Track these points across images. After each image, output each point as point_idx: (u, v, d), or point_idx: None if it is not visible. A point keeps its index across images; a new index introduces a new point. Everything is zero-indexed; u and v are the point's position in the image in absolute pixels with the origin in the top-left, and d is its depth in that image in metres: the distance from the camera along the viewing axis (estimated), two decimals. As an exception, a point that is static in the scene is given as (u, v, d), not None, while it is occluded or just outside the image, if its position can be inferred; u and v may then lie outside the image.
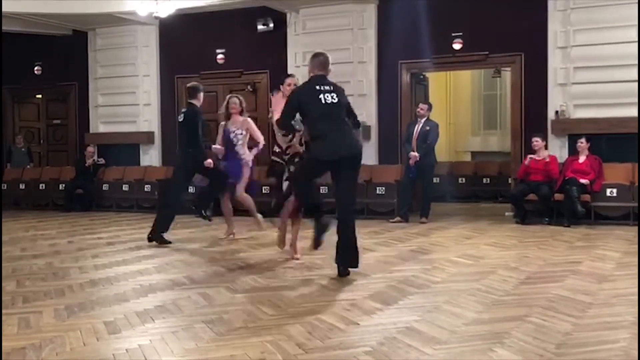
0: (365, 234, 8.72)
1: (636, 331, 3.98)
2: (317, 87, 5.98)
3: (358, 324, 4.28)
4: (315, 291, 5.36)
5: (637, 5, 10.03)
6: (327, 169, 6.01)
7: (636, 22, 10.13)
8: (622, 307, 4.64)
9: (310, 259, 6.87)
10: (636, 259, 6.69)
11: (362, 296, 5.11)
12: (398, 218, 10.44)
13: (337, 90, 6.06)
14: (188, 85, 8.70)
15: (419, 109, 10.72)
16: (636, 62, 10.16)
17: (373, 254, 7.28)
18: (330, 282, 5.70)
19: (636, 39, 10.13)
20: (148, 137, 13.77)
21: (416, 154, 10.36)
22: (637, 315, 4.37)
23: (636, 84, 10.18)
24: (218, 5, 12.63)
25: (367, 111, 11.65)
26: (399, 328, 4.14)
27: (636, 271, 6.00)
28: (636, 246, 7.63)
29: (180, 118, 8.43)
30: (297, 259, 6.83)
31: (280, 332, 4.08)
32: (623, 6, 10.21)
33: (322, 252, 6.78)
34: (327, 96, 5.96)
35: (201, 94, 8.49)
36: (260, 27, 12.65)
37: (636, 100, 10.20)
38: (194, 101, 8.43)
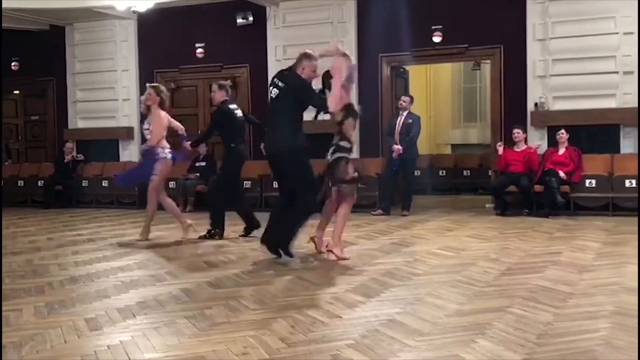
0: (347, 227, 8.68)
1: (617, 320, 4.02)
2: (273, 80, 6.41)
3: (341, 317, 4.28)
4: (297, 285, 5.36)
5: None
6: (271, 166, 6.52)
7: (614, 15, 10.23)
8: (602, 296, 4.68)
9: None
10: (616, 249, 6.77)
11: (344, 289, 5.11)
12: (380, 210, 10.46)
13: (284, 80, 6.27)
14: (225, 84, 8.39)
15: (401, 102, 10.74)
16: (615, 53, 10.26)
17: (355, 247, 7.29)
18: (313, 276, 5.70)
19: (614, 31, 10.24)
20: (127, 132, 13.67)
21: (399, 146, 10.38)
22: (616, 305, 4.42)
23: (614, 75, 10.29)
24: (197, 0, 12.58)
25: (347, 104, 11.64)
26: (382, 320, 4.15)
27: (616, 261, 6.07)
28: (616, 236, 7.72)
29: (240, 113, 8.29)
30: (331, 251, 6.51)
31: (262, 326, 4.06)
32: (601, -2, 10.31)
33: (304, 247, 6.79)
34: (272, 90, 6.31)
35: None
36: (239, 20, 12.60)
37: (615, 92, 10.31)
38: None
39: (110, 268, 6.28)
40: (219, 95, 8.22)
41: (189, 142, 8.37)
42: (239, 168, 8.37)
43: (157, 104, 7.91)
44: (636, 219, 9.14)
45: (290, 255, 6.39)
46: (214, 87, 8.32)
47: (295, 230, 6.40)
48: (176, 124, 8.23)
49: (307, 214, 6.39)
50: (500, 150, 10.31)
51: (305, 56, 6.37)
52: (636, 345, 3.53)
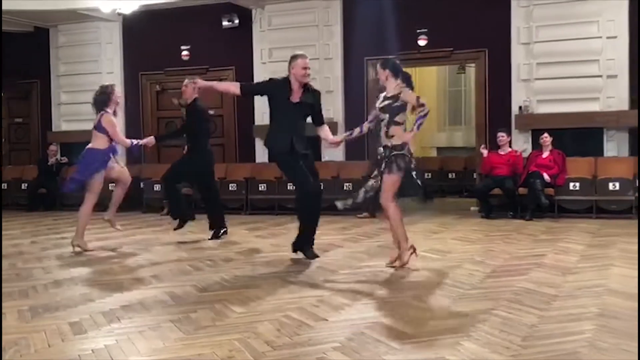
0: (333, 230, 8.74)
1: (601, 322, 4.05)
2: None
3: (327, 320, 4.28)
4: (283, 288, 5.35)
5: (598, 1, 10.24)
6: None
7: (597, 19, 10.32)
8: (587, 298, 4.71)
9: (278, 255, 6.86)
10: (599, 251, 6.82)
11: (330, 292, 5.11)
12: (366, 213, 10.47)
13: None
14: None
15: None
16: (598, 57, 10.34)
17: (341, 249, 7.29)
18: (298, 279, 5.69)
19: (597, 35, 10.33)
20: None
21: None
22: (600, 307, 4.45)
23: (598, 78, 10.37)
24: (182, 2, 12.53)
25: (333, 107, 11.69)
26: (367, 323, 4.15)
27: (600, 263, 6.11)
28: (600, 239, 7.77)
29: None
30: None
31: (248, 330, 4.06)
32: (584, 2, 10.40)
33: (290, 249, 6.78)
34: None
35: None
36: (225, 23, 12.58)
37: (598, 95, 10.40)
38: None
39: (95, 271, 6.24)
40: (192, 92, 8.06)
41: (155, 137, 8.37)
42: (213, 168, 8.38)
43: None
44: (620, 221, 9.25)
45: (309, 256, 6.48)
46: (186, 82, 8.10)
47: (304, 230, 6.51)
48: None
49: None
50: (485, 152, 10.37)
51: (292, 57, 6.46)
52: (620, 347, 3.55)
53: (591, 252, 6.79)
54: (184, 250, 7.55)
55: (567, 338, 3.75)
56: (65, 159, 13.50)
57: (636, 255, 6.44)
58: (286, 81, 6.43)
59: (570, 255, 6.61)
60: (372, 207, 7.29)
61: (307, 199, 6.42)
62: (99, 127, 7.57)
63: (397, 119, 5.90)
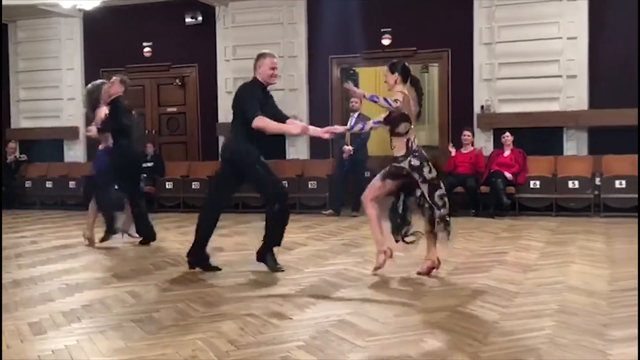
0: (298, 229, 8.72)
1: (561, 318, 4.11)
2: None
3: (291, 319, 4.27)
4: (247, 287, 5.33)
5: (558, 2, 10.41)
6: None
7: (558, 20, 10.49)
8: (547, 295, 4.78)
9: (242, 254, 6.83)
10: (559, 249, 6.93)
11: (294, 291, 5.10)
12: (331, 210, 10.49)
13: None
14: (126, 80, 7.98)
15: (353, 103, 10.76)
16: (558, 58, 10.50)
17: (305, 248, 7.29)
18: (263, 278, 5.67)
19: (558, 36, 10.50)
20: (72, 132, 13.38)
21: (350, 147, 10.44)
22: (560, 304, 4.52)
23: (558, 79, 10.54)
24: (145, -2, 12.42)
25: (298, 106, 11.67)
26: (332, 321, 4.15)
27: (559, 260, 6.21)
28: (559, 236, 7.90)
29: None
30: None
31: (211, 329, 4.03)
32: (545, 4, 10.57)
33: (254, 248, 6.74)
34: None
35: None
36: (188, 20, 12.49)
37: (558, 95, 10.57)
38: None
39: (55, 271, 6.14)
40: (118, 88, 7.69)
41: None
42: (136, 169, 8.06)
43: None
44: (579, 219, 9.41)
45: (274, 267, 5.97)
46: (114, 79, 7.79)
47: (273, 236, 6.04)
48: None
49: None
50: (453, 151, 10.44)
51: (259, 55, 5.96)
52: (579, 343, 3.61)
53: (551, 250, 6.89)
54: (145, 249, 7.47)
55: (528, 334, 3.80)
56: (24, 157, 13.27)
57: (594, 253, 6.59)
58: (257, 83, 5.88)
59: (531, 253, 6.71)
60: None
61: (283, 202, 5.93)
62: None
63: (400, 129, 5.55)
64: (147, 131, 11.79)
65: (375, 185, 5.73)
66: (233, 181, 6.04)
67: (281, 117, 5.98)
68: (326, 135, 5.91)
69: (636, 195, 9.60)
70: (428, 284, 5.27)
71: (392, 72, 5.65)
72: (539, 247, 7.06)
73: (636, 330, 3.80)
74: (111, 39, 13.09)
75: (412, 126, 5.62)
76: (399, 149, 5.58)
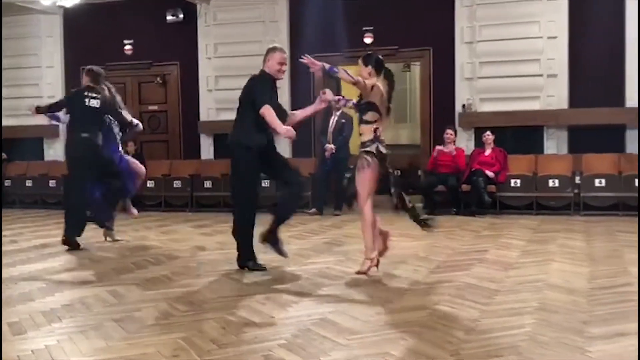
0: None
1: (541, 316, 4.15)
2: None
3: (273, 317, 4.27)
4: (228, 286, 5.32)
5: (539, 2, 10.48)
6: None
7: (538, 19, 10.56)
8: (527, 293, 4.81)
9: (223, 253, 6.82)
10: (540, 247, 6.98)
11: (276, 289, 5.10)
12: (314, 210, 10.48)
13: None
14: (95, 68, 7.86)
15: (334, 102, 10.75)
16: (539, 57, 10.58)
17: (288, 246, 7.21)
18: (245, 277, 5.66)
19: (539, 35, 10.57)
20: (52, 130, 13.25)
21: (332, 146, 10.44)
22: (541, 302, 4.56)
23: (538, 78, 10.62)
24: (125, -5, 12.34)
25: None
26: (314, 320, 4.16)
27: (540, 258, 6.25)
28: (540, 234, 7.96)
29: (95, 103, 7.48)
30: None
31: (193, 328, 4.02)
32: (526, 3, 10.64)
33: (236, 247, 6.73)
34: None
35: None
36: (169, 17, 12.42)
37: (539, 94, 10.65)
38: (99, 87, 7.64)
39: (35, 270, 6.09)
40: (83, 80, 7.78)
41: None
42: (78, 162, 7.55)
43: None
44: (559, 217, 9.50)
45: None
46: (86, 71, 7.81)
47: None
48: None
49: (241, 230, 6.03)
50: (436, 152, 10.46)
51: (270, 49, 6.05)
52: (559, 340, 3.65)
53: (532, 248, 6.94)
54: (126, 248, 7.43)
55: (508, 332, 3.83)
56: (4, 155, 13.13)
57: (574, 251, 6.64)
58: (267, 76, 5.95)
59: (512, 251, 6.75)
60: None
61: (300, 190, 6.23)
62: None
63: (367, 117, 5.63)
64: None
65: (359, 182, 5.69)
66: (258, 167, 5.96)
67: (282, 113, 6.10)
68: (323, 105, 6.15)
69: (615, 194, 9.73)
70: (409, 282, 5.29)
71: (366, 65, 5.70)
72: (519, 245, 7.11)
73: (616, 327, 3.86)
74: (92, 37, 12.99)
75: (382, 118, 5.69)
76: (366, 135, 5.64)
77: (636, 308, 4.27)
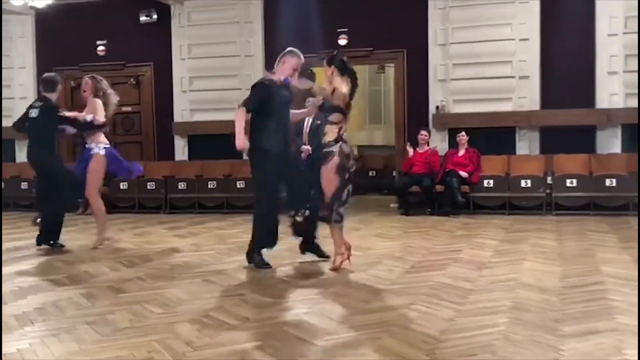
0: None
1: (514, 315, 4.19)
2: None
3: (248, 319, 4.26)
4: (203, 288, 5.29)
5: (511, 4, 10.59)
6: None
7: (510, 21, 10.66)
8: (501, 292, 4.86)
9: (197, 255, 6.79)
10: (512, 246, 7.05)
11: (252, 291, 5.09)
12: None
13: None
14: (45, 76, 7.82)
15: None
16: (511, 59, 10.68)
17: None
18: (220, 278, 5.64)
19: (510, 37, 10.67)
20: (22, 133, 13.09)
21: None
22: (513, 300, 4.60)
23: (511, 79, 10.72)
24: (98, -5, 12.23)
25: (254, 105, 11.61)
26: (289, 321, 4.16)
27: (512, 258, 6.31)
28: (512, 234, 8.03)
29: (34, 114, 7.37)
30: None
31: (167, 330, 3.99)
32: (498, 5, 10.74)
33: (210, 249, 6.72)
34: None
35: (59, 87, 7.81)
36: (143, 18, 12.33)
37: (511, 95, 10.75)
38: (50, 95, 7.58)
39: (7, 273, 6.00)
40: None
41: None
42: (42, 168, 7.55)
43: (90, 95, 7.73)
44: (531, 217, 9.59)
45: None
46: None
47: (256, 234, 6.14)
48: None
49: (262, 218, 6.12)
50: (411, 152, 10.52)
51: (288, 51, 6.28)
52: (532, 339, 3.69)
53: (505, 247, 7.01)
54: (100, 250, 7.36)
55: (483, 331, 3.86)
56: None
57: (546, 250, 6.72)
58: (271, 83, 6.08)
59: (485, 251, 6.81)
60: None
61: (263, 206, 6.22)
62: None
63: (332, 118, 5.77)
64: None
65: (324, 181, 5.86)
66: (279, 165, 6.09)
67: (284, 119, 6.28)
68: (314, 110, 6.28)
69: (586, 194, 9.85)
70: (384, 282, 5.31)
71: (329, 65, 5.87)
72: (493, 245, 7.17)
73: (588, 326, 3.91)
74: (64, 37, 12.86)
75: (346, 119, 5.88)
76: (330, 135, 5.80)
77: (607, 306, 4.34)
